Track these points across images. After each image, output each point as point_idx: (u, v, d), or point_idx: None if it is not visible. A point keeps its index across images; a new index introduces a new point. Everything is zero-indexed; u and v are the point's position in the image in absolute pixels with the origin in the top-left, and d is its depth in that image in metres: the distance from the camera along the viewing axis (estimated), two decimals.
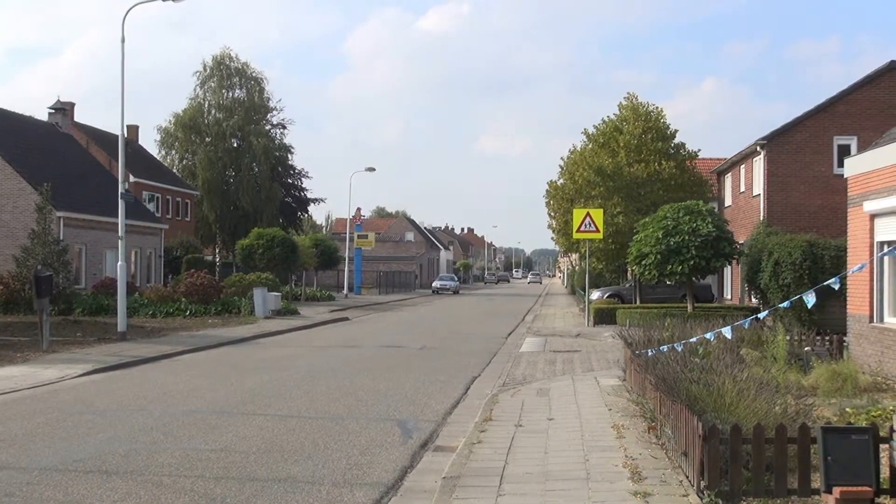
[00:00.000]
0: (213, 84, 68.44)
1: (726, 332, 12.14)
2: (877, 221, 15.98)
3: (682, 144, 37.49)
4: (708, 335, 12.81)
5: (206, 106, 68.62)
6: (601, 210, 31.85)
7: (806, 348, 16.10)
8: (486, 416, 12.13)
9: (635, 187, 35.65)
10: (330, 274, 68.58)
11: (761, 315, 13.48)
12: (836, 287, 11.21)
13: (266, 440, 10.77)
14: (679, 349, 12.11)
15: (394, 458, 9.89)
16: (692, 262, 26.31)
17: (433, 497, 8.04)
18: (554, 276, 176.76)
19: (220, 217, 67.16)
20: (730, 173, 37.29)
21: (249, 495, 8.24)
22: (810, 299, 11.02)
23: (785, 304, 13.70)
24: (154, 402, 13.70)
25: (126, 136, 27.94)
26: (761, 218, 30.13)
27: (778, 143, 29.99)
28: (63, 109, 47.77)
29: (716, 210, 32.00)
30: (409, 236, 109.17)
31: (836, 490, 7.19)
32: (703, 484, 7.65)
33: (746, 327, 13.34)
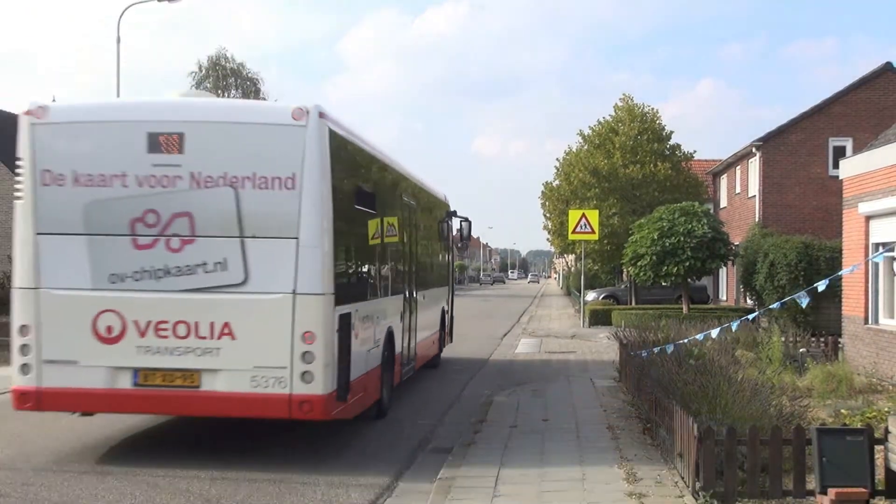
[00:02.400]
0: (208, 85, 68.25)
1: (718, 332, 12.15)
2: (872, 223, 16.02)
3: (678, 146, 37.55)
4: (712, 333, 12.82)
5: None
6: (596, 211, 31.85)
7: (801, 350, 16.16)
8: (482, 417, 12.13)
9: (630, 188, 35.69)
10: None
11: (751, 317, 13.49)
12: (821, 289, 11.23)
13: (262, 440, 10.75)
14: (673, 350, 12.12)
15: (389, 458, 9.88)
16: (688, 264, 26.33)
17: (428, 498, 8.04)
18: (549, 277, 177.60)
19: None
20: (725, 174, 37.34)
21: (245, 496, 8.24)
22: (804, 300, 11.04)
23: (775, 305, 13.74)
24: None
25: None
26: (756, 219, 30.18)
27: (773, 145, 30.03)
28: None
29: (711, 211, 32.05)
30: None
31: (832, 491, 7.21)
32: (698, 485, 7.66)
33: (734, 329, 13.35)
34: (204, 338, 9.06)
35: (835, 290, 17.70)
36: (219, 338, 9.04)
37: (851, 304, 16.93)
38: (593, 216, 30.76)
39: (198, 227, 9.12)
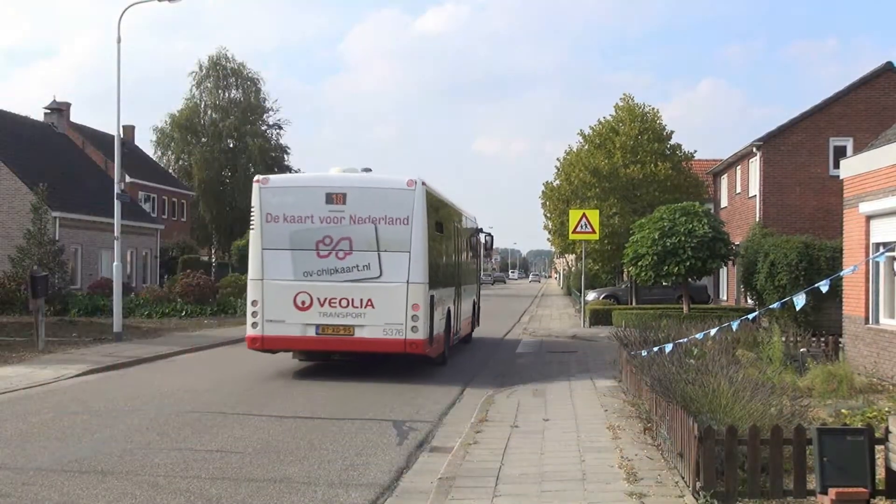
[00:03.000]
0: (209, 84, 68.43)
1: (716, 332, 12.15)
2: (873, 223, 16.01)
3: (678, 146, 37.53)
4: (711, 333, 12.81)
5: (203, 106, 68.60)
6: (597, 211, 31.83)
7: (801, 349, 16.13)
8: (482, 417, 12.14)
9: (631, 188, 35.68)
10: None
11: (751, 316, 13.47)
12: (825, 290, 11.19)
13: (262, 441, 10.77)
14: (674, 350, 12.11)
15: (390, 458, 9.89)
16: (688, 264, 26.32)
17: (429, 498, 8.04)
18: (550, 277, 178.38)
19: (215, 217, 67.13)
20: (726, 174, 37.34)
21: (245, 496, 8.24)
22: (800, 301, 11.00)
23: (776, 305, 13.71)
24: (150, 402, 13.68)
25: (122, 136, 27.90)
26: (757, 219, 30.17)
27: (774, 145, 30.04)
28: (59, 110, 47.69)
29: (711, 211, 32.05)
30: None
31: (832, 491, 7.21)
32: (698, 485, 7.66)
33: (734, 329, 13.32)
34: (356, 307, 15.62)
35: (836, 290, 17.69)
36: (364, 307, 15.60)
37: (852, 304, 16.92)
38: (594, 216, 30.75)
39: (354, 246, 15.75)
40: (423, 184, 16.08)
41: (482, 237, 27.18)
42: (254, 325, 15.97)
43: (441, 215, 18.49)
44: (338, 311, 15.64)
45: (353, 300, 15.60)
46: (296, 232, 15.90)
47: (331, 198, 15.94)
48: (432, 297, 16.39)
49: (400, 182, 16.03)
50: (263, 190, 16.27)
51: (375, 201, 15.88)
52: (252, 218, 16.22)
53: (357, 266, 15.67)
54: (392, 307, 15.53)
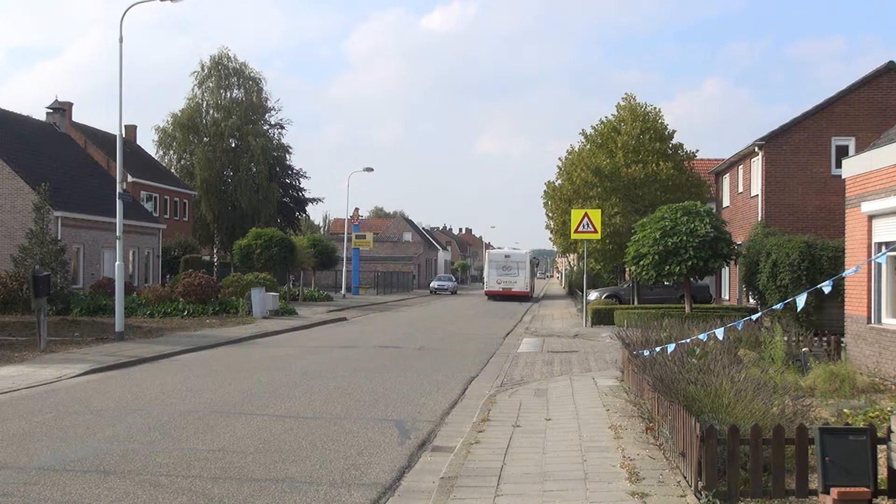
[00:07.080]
0: (210, 84, 68.43)
1: (720, 333, 12.11)
2: (875, 222, 15.99)
3: (680, 145, 37.55)
4: (717, 333, 12.78)
5: (204, 106, 68.59)
6: (599, 211, 31.86)
7: (804, 349, 16.10)
8: (484, 417, 12.14)
9: (633, 188, 35.68)
10: (328, 274, 68.61)
11: (754, 316, 13.44)
12: (827, 291, 11.16)
13: (264, 440, 10.77)
14: (675, 350, 12.08)
15: (391, 458, 9.89)
16: (690, 263, 26.32)
17: (431, 497, 8.04)
18: (552, 276, 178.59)
19: (217, 217, 67.15)
20: (728, 174, 37.31)
21: (247, 495, 8.24)
22: (800, 303, 10.96)
23: (778, 305, 13.68)
24: (152, 402, 13.69)
25: (124, 136, 27.90)
26: (759, 219, 30.16)
27: (776, 144, 30.02)
28: (61, 109, 47.69)
29: (714, 211, 32.04)
30: (407, 236, 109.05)
31: (834, 491, 7.20)
32: (700, 484, 7.66)
33: (740, 328, 13.30)
34: (512, 282, 60.84)
35: (838, 290, 17.66)
36: (514, 283, 60.63)
37: (854, 304, 16.91)
38: (596, 216, 30.75)
39: (510, 268, 61.15)
40: (528, 252, 63.67)
41: (535, 261, 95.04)
42: (485, 286, 62.01)
43: (529, 257, 63.04)
44: (507, 284, 59.64)
45: (511, 281, 59.78)
46: (496, 265, 60.48)
47: (506, 255, 61.35)
48: (530, 280, 63.10)
49: (523, 250, 63.20)
50: (488, 252, 64.86)
51: (517, 257, 61.21)
52: (486, 261, 63.11)
53: (512, 272, 60.01)
54: (521, 283, 59.94)
